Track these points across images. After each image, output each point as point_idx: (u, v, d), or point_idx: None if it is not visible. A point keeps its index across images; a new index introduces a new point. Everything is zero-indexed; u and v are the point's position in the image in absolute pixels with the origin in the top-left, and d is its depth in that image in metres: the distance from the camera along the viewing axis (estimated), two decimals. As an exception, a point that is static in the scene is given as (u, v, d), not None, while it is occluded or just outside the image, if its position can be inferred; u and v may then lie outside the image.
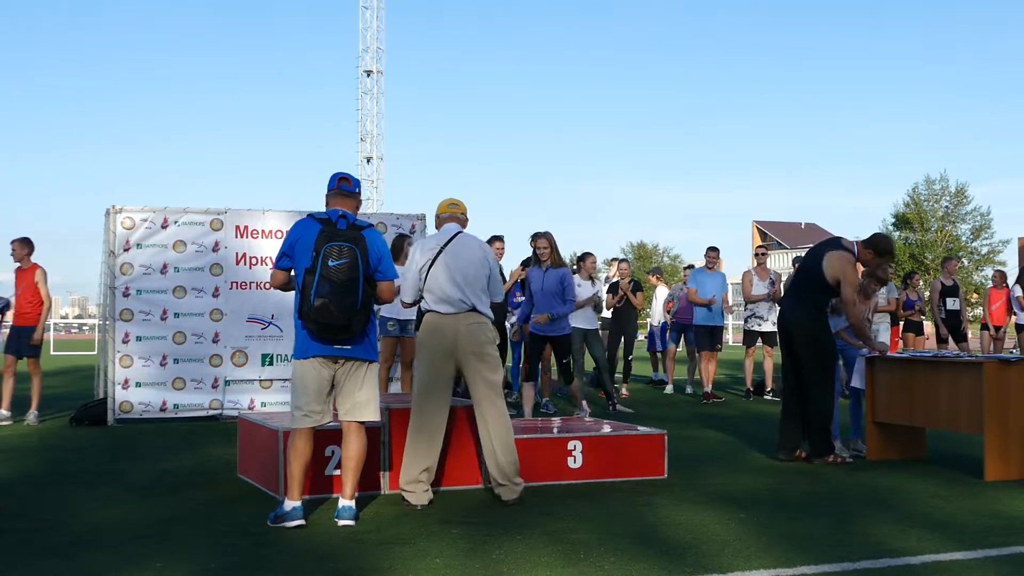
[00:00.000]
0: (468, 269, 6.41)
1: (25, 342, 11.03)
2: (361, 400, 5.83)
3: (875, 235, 8.41)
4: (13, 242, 11.20)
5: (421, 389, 6.42)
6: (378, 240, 5.83)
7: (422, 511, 6.06)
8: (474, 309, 6.41)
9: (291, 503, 5.68)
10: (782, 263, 79.37)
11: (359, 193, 6.00)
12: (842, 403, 8.72)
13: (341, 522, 5.69)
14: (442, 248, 6.42)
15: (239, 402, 11.15)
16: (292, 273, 5.83)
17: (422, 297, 6.48)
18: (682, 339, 15.48)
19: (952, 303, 15.53)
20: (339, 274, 5.55)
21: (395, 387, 11.16)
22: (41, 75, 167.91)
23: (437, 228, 6.70)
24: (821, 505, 6.33)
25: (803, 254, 8.83)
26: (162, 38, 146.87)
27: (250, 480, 7.11)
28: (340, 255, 5.57)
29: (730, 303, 15.31)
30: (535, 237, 10.26)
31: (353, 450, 5.83)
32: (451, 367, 6.41)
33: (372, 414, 5.89)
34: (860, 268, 8.43)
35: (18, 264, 11.18)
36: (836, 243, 8.28)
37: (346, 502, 5.77)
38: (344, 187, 5.90)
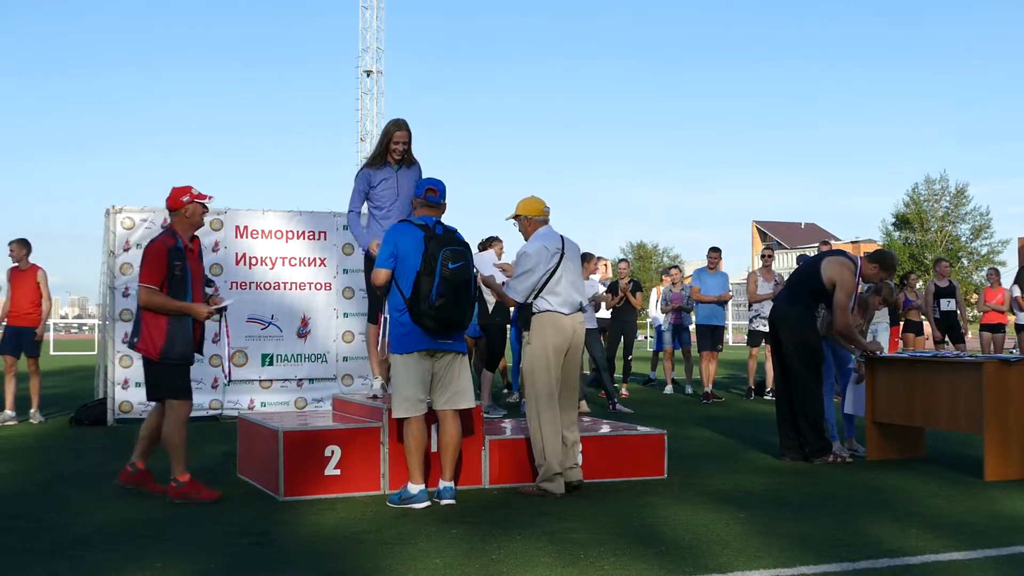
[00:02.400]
0: (579, 273, 6.89)
1: (26, 342, 11.09)
2: (461, 389, 6.37)
3: (880, 251, 8.56)
4: (11, 243, 11.23)
5: (547, 387, 6.64)
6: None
7: (422, 511, 6.06)
8: (582, 309, 6.84)
9: (417, 487, 6.24)
10: (782, 263, 79.34)
11: (444, 205, 6.45)
12: (836, 403, 8.71)
13: (443, 502, 6.22)
14: (562, 253, 6.72)
15: (239, 402, 11.14)
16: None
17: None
18: (676, 339, 15.46)
19: (946, 304, 15.47)
20: (457, 276, 6.09)
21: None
22: (41, 76, 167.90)
23: (529, 229, 6.83)
24: (821, 505, 6.33)
25: (808, 253, 8.90)
26: (162, 38, 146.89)
27: (250, 480, 7.11)
28: (457, 258, 6.11)
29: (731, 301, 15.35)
30: (396, 127, 7.17)
31: (451, 436, 6.34)
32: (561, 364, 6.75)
33: (470, 402, 6.44)
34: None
35: (15, 265, 11.19)
36: (839, 253, 8.33)
37: (447, 483, 6.31)
38: (431, 198, 6.38)
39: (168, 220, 6.70)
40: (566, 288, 6.70)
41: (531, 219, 6.83)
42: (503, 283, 7.59)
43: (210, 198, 6.58)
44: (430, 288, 6.05)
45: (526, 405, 6.80)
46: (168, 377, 6.37)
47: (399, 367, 6.28)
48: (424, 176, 6.99)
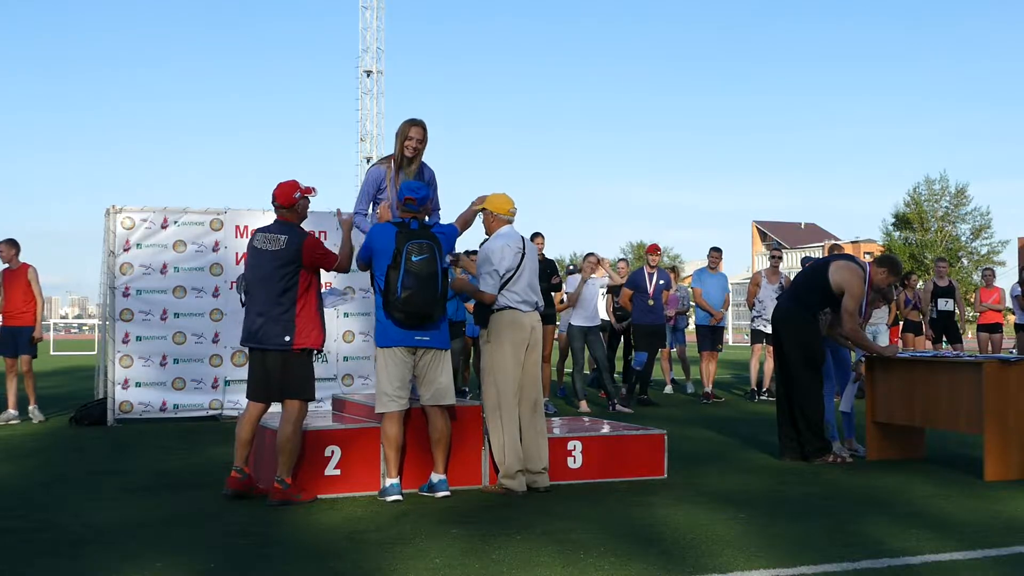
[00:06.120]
0: (536, 272, 6.95)
1: (23, 342, 11.10)
2: (443, 387, 6.48)
3: (887, 256, 8.56)
4: (0, 243, 11.23)
5: (510, 384, 6.70)
6: (445, 237, 6.51)
7: (422, 511, 6.06)
8: (538, 308, 6.90)
9: (388, 480, 6.40)
10: (784, 263, 79.29)
11: (425, 207, 6.58)
12: (837, 402, 8.71)
13: (439, 494, 6.39)
14: (523, 252, 6.80)
15: (239, 402, 11.12)
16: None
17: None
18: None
19: (944, 304, 15.44)
20: (422, 268, 6.20)
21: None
22: (41, 76, 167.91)
23: (493, 226, 6.90)
24: (821, 505, 6.33)
25: (812, 255, 8.94)
26: (162, 38, 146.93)
27: (250, 480, 7.09)
28: (421, 251, 6.24)
29: (730, 304, 15.30)
30: (410, 124, 7.10)
31: (440, 431, 6.48)
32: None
33: (451, 399, 6.55)
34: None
35: (7, 265, 11.22)
36: (848, 257, 8.32)
37: (439, 476, 6.48)
38: (409, 206, 6.50)
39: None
40: (524, 287, 6.79)
41: (496, 216, 6.89)
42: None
43: (315, 191, 6.61)
44: (396, 281, 6.21)
45: (484, 404, 6.81)
46: (310, 372, 6.44)
47: (379, 362, 6.46)
48: (429, 185, 7.10)
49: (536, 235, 12.24)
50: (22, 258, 11.32)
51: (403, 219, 6.48)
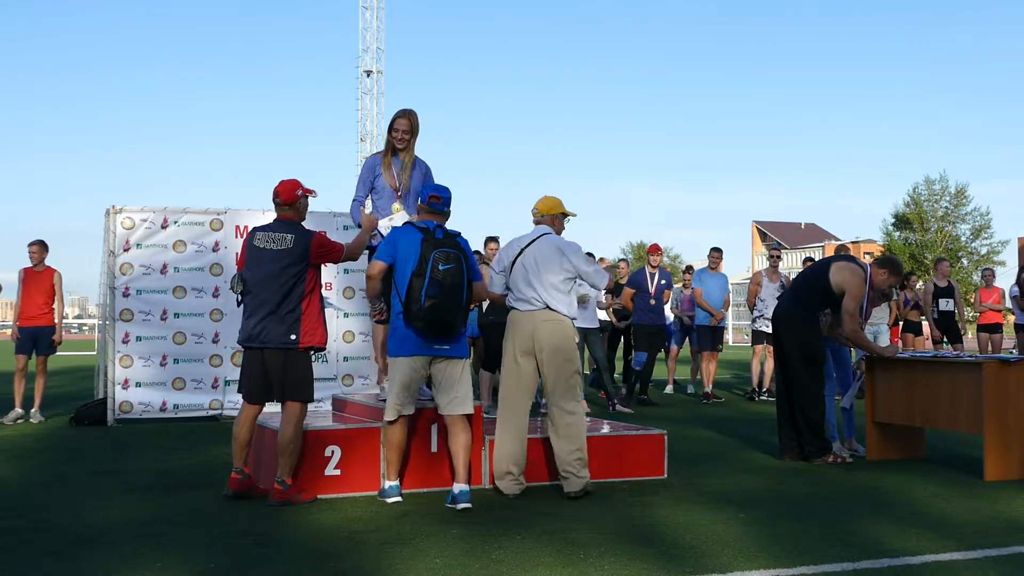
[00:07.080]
0: (542, 269, 6.67)
1: (43, 342, 11.28)
2: (460, 395, 6.34)
3: (887, 257, 8.60)
4: (32, 244, 11.41)
5: (508, 385, 6.70)
6: (468, 246, 6.38)
7: (422, 511, 6.06)
8: (548, 307, 6.63)
9: (388, 482, 6.41)
10: (785, 263, 79.25)
11: (447, 212, 6.46)
12: (837, 402, 8.71)
13: (460, 505, 6.07)
14: (523, 249, 6.75)
15: (239, 402, 11.09)
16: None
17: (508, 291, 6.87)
18: (686, 340, 15.39)
19: (945, 304, 15.42)
20: (447, 277, 6.08)
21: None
22: (41, 76, 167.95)
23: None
24: (821, 505, 6.33)
25: (812, 255, 8.98)
26: (162, 38, 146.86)
27: (250, 480, 7.10)
28: (448, 260, 6.11)
29: (730, 304, 15.29)
30: (398, 115, 7.31)
31: (461, 441, 6.31)
32: (532, 363, 6.67)
33: (469, 408, 6.39)
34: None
35: (31, 266, 11.30)
36: (849, 258, 8.33)
37: (461, 486, 6.19)
38: (434, 204, 6.41)
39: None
40: (520, 283, 6.72)
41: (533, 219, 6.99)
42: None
43: (315, 193, 6.62)
44: (420, 289, 6.08)
45: None
46: (311, 373, 6.44)
47: (392, 370, 6.38)
48: (424, 178, 7.19)
49: (490, 240, 12.23)
50: (48, 261, 11.46)
51: (427, 225, 6.30)
